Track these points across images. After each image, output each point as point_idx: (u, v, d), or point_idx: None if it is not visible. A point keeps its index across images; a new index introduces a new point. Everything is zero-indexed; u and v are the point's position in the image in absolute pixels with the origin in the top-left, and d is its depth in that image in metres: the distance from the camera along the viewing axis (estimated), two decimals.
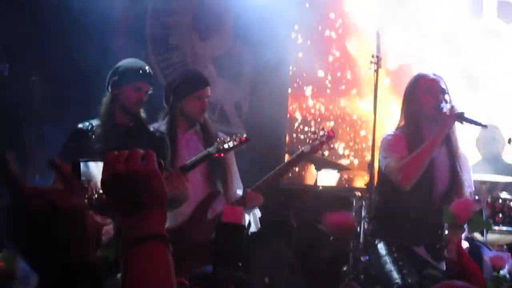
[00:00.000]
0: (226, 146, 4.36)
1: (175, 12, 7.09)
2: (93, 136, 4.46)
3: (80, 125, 4.57)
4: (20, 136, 5.86)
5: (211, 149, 4.38)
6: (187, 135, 4.82)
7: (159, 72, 6.80)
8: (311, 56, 7.12)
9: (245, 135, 4.43)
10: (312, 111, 7.29)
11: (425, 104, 4.47)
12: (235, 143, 4.37)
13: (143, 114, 4.59)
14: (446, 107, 4.38)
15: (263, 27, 6.52)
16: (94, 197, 1.84)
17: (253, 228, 4.74)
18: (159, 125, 4.78)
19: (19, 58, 5.94)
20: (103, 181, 1.49)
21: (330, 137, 4.66)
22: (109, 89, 4.55)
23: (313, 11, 7.15)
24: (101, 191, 1.70)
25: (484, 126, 4.55)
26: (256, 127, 6.58)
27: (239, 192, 4.79)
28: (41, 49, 6.08)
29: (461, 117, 4.39)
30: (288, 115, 7.23)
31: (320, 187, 6.15)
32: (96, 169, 1.75)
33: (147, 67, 4.59)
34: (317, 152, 4.73)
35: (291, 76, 7.25)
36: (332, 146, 4.75)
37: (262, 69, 6.92)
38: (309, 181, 6.89)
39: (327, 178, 6.38)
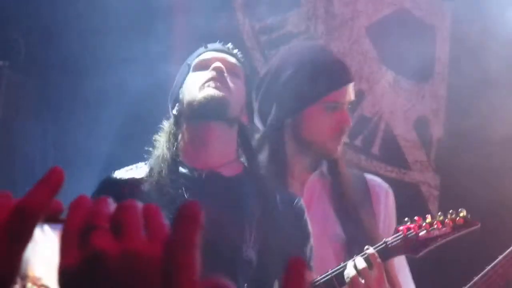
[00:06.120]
0: (412, 238, 2.61)
1: None
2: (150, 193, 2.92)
3: (116, 174, 2.95)
4: None
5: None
6: (308, 185, 2.93)
7: (258, 54, 3.44)
8: None
9: (462, 213, 2.51)
10: None
11: None
12: (437, 234, 2.55)
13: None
14: None
15: None
16: None
17: None
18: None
19: None
20: (62, 274, 0.78)
21: None
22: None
23: None
24: None
25: None
26: (456, 179, 3.43)
27: None
28: None
29: None
30: None
31: None
32: (43, 243, 0.95)
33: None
34: None
35: None
36: None
37: (467, 46, 3.60)
38: None
39: None
